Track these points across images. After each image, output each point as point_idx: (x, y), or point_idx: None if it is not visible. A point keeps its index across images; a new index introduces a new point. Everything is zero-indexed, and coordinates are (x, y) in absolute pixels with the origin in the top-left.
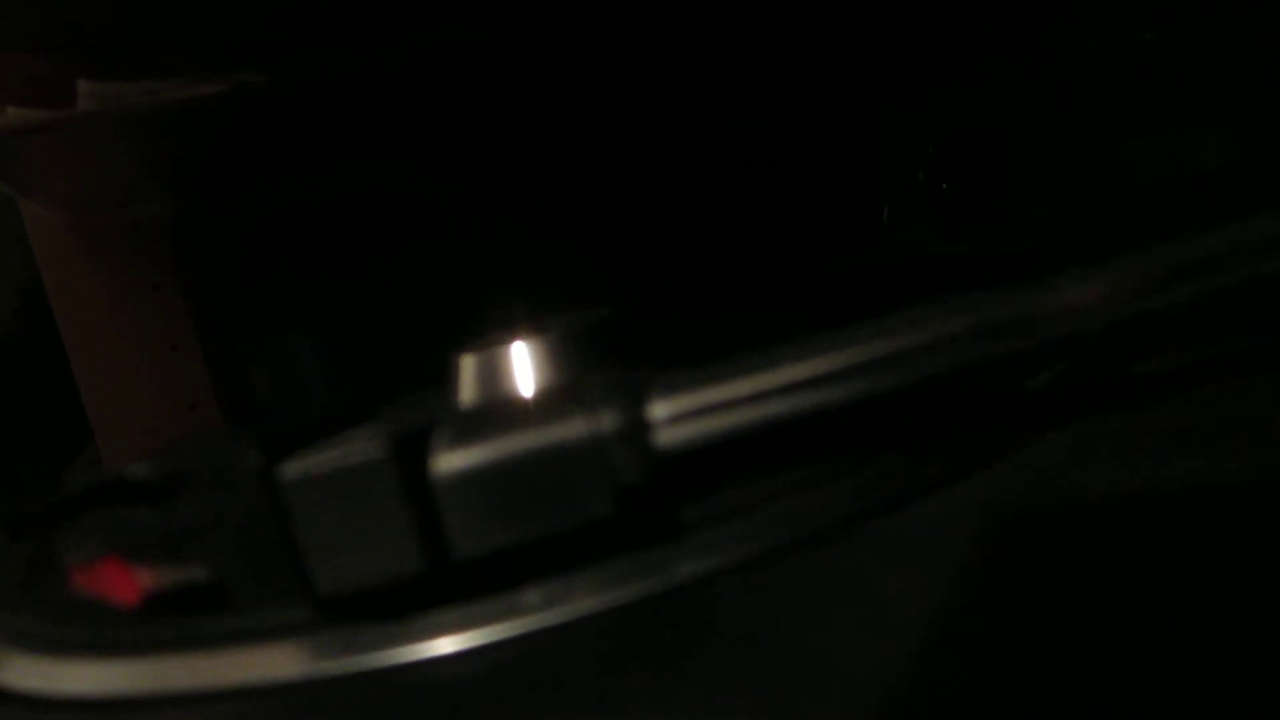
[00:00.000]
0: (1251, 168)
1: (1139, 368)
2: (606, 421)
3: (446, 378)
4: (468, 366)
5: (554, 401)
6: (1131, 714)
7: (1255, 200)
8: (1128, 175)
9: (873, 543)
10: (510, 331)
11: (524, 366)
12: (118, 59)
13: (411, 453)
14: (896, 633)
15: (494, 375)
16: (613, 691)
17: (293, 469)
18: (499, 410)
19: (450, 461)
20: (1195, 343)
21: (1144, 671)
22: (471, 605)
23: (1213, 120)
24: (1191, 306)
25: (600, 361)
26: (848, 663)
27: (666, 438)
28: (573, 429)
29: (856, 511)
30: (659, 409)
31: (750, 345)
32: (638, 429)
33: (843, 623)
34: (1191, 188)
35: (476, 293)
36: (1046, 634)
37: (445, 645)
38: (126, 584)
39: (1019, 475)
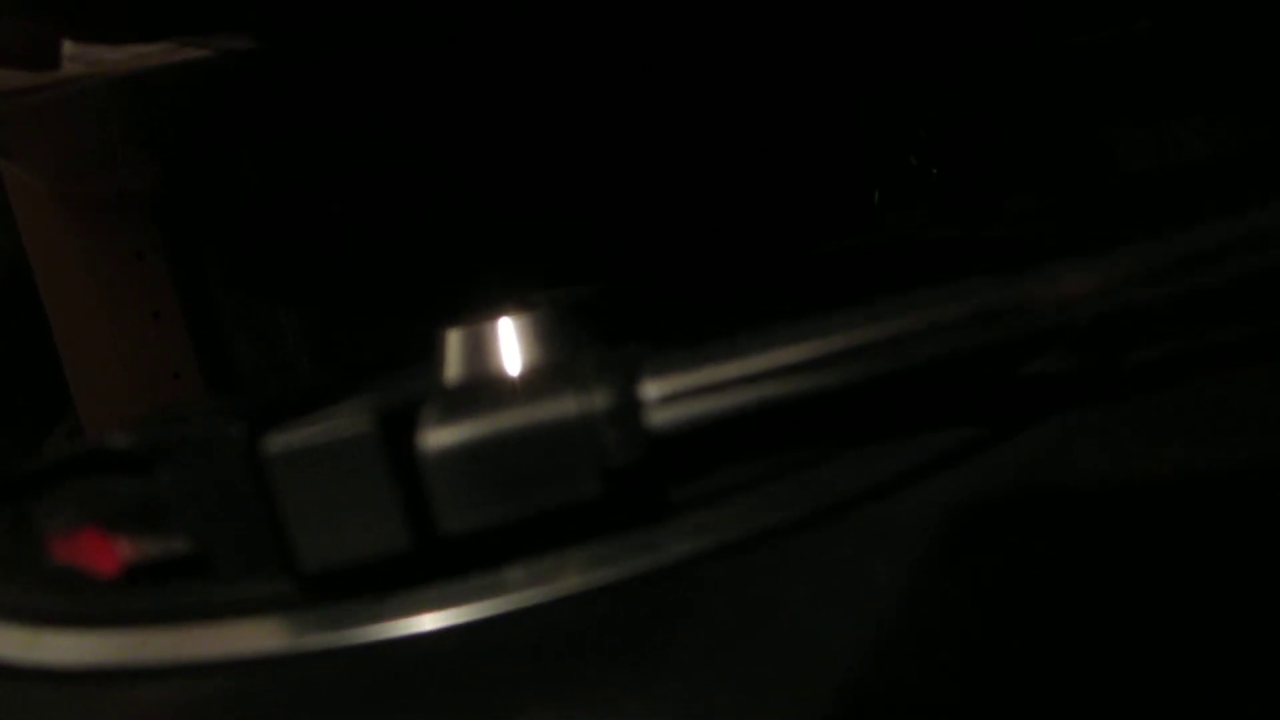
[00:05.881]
0: (1237, 158)
1: (1130, 358)
2: (598, 400)
3: (432, 352)
4: (454, 341)
5: (545, 379)
6: (1116, 707)
7: (1241, 190)
8: (1115, 163)
9: (862, 528)
10: (498, 306)
11: (512, 342)
12: (104, 20)
13: (399, 427)
14: (884, 619)
15: (482, 351)
16: (597, 671)
17: (278, 441)
18: (489, 386)
19: (438, 437)
20: (1187, 334)
21: (1129, 662)
22: (457, 583)
23: (1200, 110)
24: (1184, 298)
25: (591, 339)
26: (834, 647)
27: (658, 418)
28: (563, 407)
29: (846, 496)
30: (651, 388)
31: (739, 325)
32: (629, 408)
33: (830, 607)
34: (1177, 177)
35: (464, 266)
36: (1034, 623)
37: (429, 622)
38: (105, 554)
39: (1010, 464)
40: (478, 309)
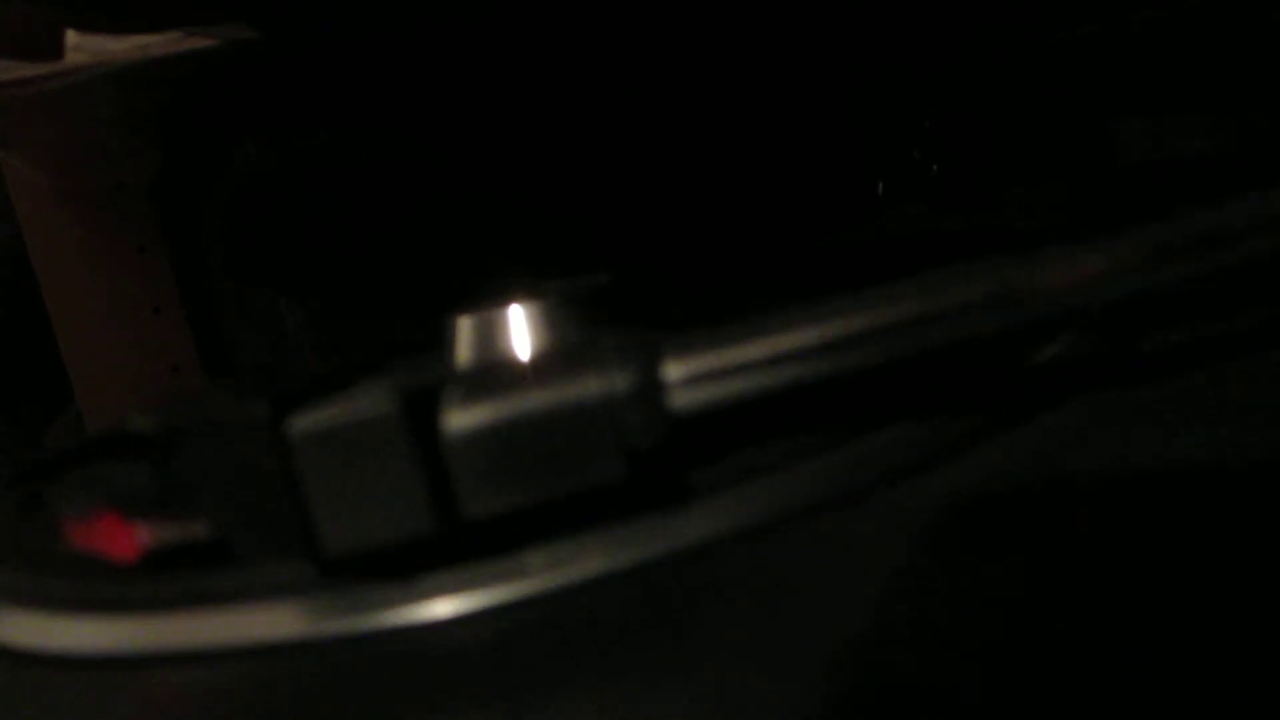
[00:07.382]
0: (1237, 151)
1: (1143, 343)
2: (620, 382)
3: (435, 343)
4: (466, 329)
5: (567, 361)
6: (1128, 696)
7: (1242, 182)
8: (1118, 157)
9: (884, 511)
10: (505, 297)
11: (523, 330)
12: (108, 10)
13: (423, 409)
14: (906, 602)
15: (494, 338)
16: (619, 655)
17: (301, 422)
18: (511, 369)
19: (461, 419)
20: (1200, 320)
21: (1141, 652)
22: (479, 567)
23: (1201, 103)
24: (1197, 283)
25: (605, 325)
26: (857, 631)
27: (680, 400)
28: (586, 389)
29: (868, 479)
30: (673, 370)
31: (757, 310)
32: (651, 390)
33: (852, 591)
34: (1179, 170)
35: (467, 259)
36: (1049, 607)
37: (451, 607)
38: (124, 539)
39: (1026, 448)
40: (481, 301)
